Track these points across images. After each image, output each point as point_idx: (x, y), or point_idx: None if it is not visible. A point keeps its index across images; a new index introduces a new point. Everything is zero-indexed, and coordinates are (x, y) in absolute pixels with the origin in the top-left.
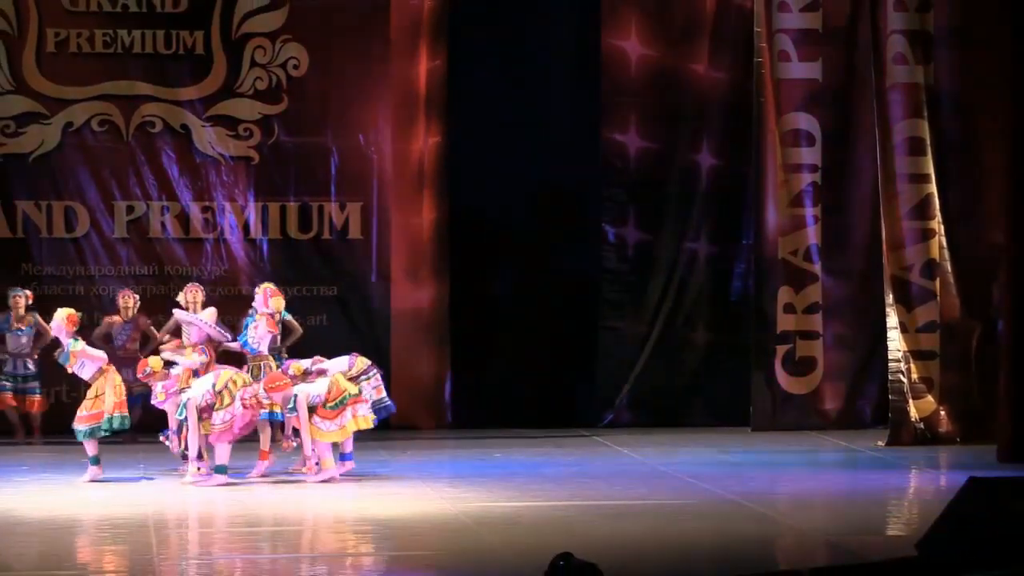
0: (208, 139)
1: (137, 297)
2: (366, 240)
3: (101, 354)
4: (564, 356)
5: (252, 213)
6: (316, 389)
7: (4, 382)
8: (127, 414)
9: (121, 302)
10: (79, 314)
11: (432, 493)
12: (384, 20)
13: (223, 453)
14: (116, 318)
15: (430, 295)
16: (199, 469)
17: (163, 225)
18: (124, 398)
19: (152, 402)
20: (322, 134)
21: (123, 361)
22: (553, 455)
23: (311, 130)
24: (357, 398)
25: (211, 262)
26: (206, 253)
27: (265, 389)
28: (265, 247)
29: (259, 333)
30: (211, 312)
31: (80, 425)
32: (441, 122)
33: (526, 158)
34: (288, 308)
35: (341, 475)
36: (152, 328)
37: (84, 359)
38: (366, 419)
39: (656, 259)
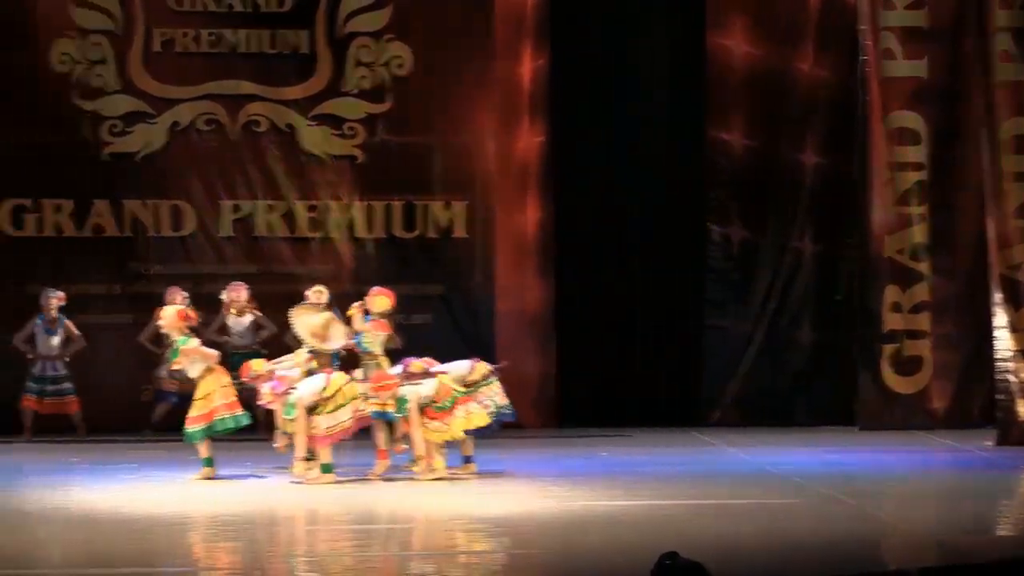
0: (313, 138)
1: (186, 295)
2: (471, 239)
3: (212, 352)
4: (669, 355)
5: (357, 212)
6: (425, 390)
7: (29, 383)
8: (239, 413)
9: (168, 298)
10: (192, 310)
11: (538, 492)
12: (488, 19)
13: (326, 454)
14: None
15: (535, 294)
16: (307, 468)
17: (269, 224)
18: (234, 399)
19: (258, 403)
20: (426, 133)
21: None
22: (658, 454)
23: (415, 129)
24: (466, 397)
25: (317, 261)
26: (311, 252)
27: (372, 387)
28: (370, 246)
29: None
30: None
31: (190, 427)
32: (545, 121)
33: (630, 156)
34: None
35: (464, 477)
36: (265, 319)
37: (194, 356)
38: (480, 416)
39: (760, 258)
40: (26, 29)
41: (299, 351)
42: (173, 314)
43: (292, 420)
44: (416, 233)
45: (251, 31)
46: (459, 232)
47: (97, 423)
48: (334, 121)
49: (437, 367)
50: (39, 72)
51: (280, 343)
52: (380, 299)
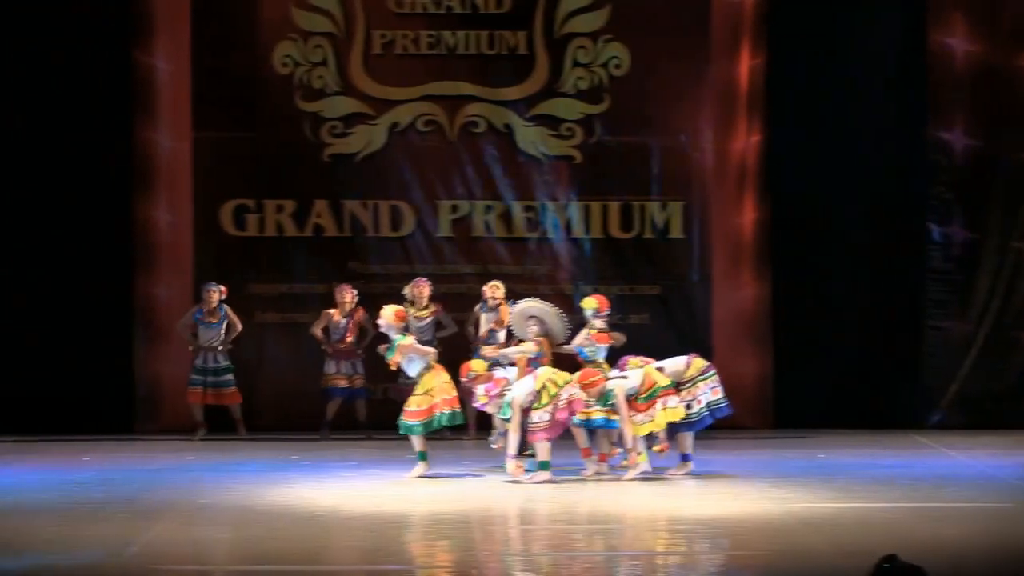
0: (531, 139)
1: (355, 292)
2: (687, 239)
3: (430, 350)
4: (888, 356)
5: (574, 212)
6: (631, 382)
7: (194, 376)
8: (458, 410)
9: (338, 297)
10: (407, 310)
11: (755, 493)
12: (705, 19)
13: (543, 451)
14: (334, 312)
15: (752, 294)
16: (521, 467)
17: (486, 224)
18: (454, 395)
19: (474, 404)
20: (643, 133)
21: (340, 354)
22: (877, 456)
23: (632, 129)
24: (668, 391)
25: (533, 261)
26: (529, 252)
27: (579, 385)
28: (587, 246)
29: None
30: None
31: (410, 420)
32: (762, 120)
33: (848, 156)
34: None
35: (682, 475)
36: (370, 323)
37: (412, 354)
38: (676, 411)
39: (982, 258)
40: (250, 32)
41: (526, 345)
42: (391, 313)
43: (507, 420)
44: (633, 233)
45: (469, 32)
46: (676, 232)
47: (319, 421)
48: (551, 121)
49: (654, 364)
50: (262, 74)
51: (456, 342)
52: (587, 300)
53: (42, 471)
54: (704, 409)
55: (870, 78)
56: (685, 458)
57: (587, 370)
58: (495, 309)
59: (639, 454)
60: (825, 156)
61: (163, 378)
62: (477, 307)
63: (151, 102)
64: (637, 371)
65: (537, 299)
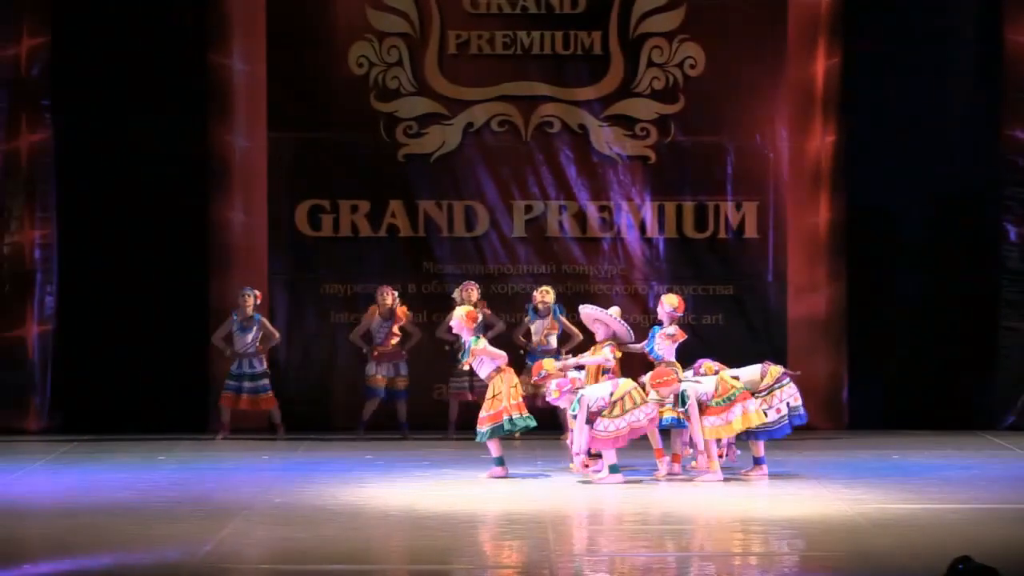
0: (605, 139)
1: (396, 293)
2: (762, 240)
3: (501, 353)
4: (963, 357)
5: (648, 212)
6: (704, 387)
7: (228, 381)
8: (527, 413)
9: (379, 298)
10: (479, 311)
11: (829, 494)
12: (781, 18)
13: (610, 456)
14: (373, 311)
15: (827, 295)
16: (587, 466)
17: (560, 224)
18: (521, 399)
19: (547, 399)
20: (718, 133)
21: (382, 356)
22: (951, 457)
23: (707, 129)
24: (746, 394)
25: (608, 261)
26: (603, 252)
27: (651, 383)
28: (661, 246)
29: (663, 342)
30: (615, 310)
31: (481, 427)
32: (838, 120)
33: (924, 156)
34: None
35: (753, 479)
36: (412, 324)
37: (483, 357)
38: (758, 414)
39: None
40: (325, 33)
41: (601, 353)
42: (463, 315)
43: (575, 416)
44: (707, 233)
45: (544, 32)
46: (750, 233)
47: (393, 421)
48: (626, 122)
49: (728, 372)
50: (337, 75)
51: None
52: (668, 297)
53: (118, 471)
54: (784, 417)
55: (945, 77)
56: (758, 462)
57: (660, 369)
58: (546, 316)
59: (712, 459)
60: (900, 156)
61: None
62: (527, 317)
63: (227, 103)
64: (711, 377)
65: (588, 303)
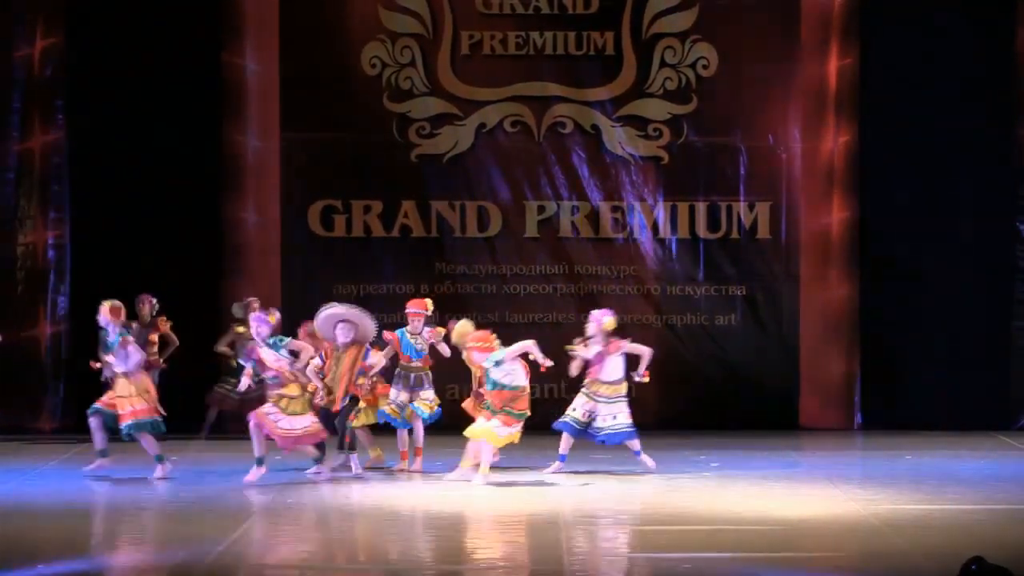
0: (618, 139)
1: (154, 301)
2: (775, 240)
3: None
4: (976, 357)
5: (661, 212)
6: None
7: (224, 385)
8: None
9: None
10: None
11: (841, 494)
12: (794, 19)
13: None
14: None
15: (839, 295)
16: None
17: (573, 225)
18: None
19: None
20: (731, 134)
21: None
22: (964, 457)
23: (720, 130)
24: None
25: (620, 261)
26: (615, 252)
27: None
28: (674, 247)
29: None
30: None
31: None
32: (851, 121)
33: (937, 156)
34: (695, 307)
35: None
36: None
37: (131, 350)
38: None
39: None
40: (338, 33)
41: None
42: (108, 308)
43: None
44: (720, 234)
45: (557, 33)
46: (763, 233)
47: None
48: (639, 122)
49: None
50: (350, 75)
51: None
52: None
53: (131, 470)
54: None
55: (958, 78)
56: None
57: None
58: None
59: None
60: (913, 156)
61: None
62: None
63: (239, 104)
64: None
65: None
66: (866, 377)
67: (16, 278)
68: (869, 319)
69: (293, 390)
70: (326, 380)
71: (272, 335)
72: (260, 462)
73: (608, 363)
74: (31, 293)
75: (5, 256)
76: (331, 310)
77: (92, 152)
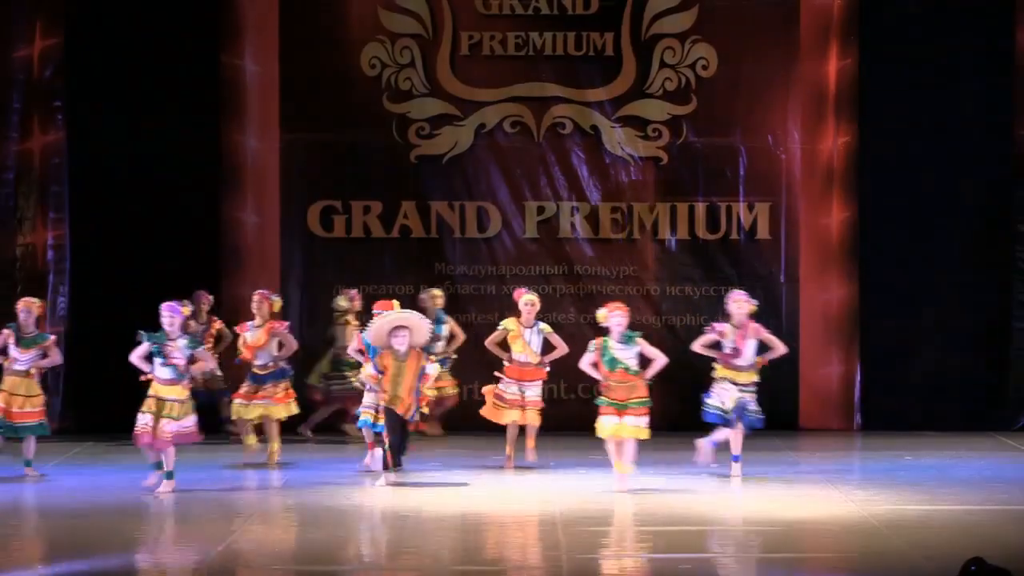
0: (618, 140)
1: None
2: (774, 240)
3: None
4: (975, 358)
5: (660, 213)
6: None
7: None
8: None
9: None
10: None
11: (840, 495)
12: (793, 20)
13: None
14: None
15: (839, 295)
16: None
17: (572, 225)
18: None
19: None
20: (731, 134)
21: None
22: (965, 458)
23: (720, 130)
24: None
25: (620, 262)
26: (615, 252)
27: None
28: (673, 247)
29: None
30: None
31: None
32: (851, 122)
33: (937, 157)
34: (695, 308)
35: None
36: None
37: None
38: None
39: None
40: (337, 34)
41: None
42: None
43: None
44: (719, 234)
45: (556, 33)
46: (763, 234)
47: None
48: (638, 123)
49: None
50: (349, 76)
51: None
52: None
53: (131, 471)
54: None
55: (957, 78)
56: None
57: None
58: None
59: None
60: (912, 157)
61: None
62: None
63: (239, 104)
64: None
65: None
66: (866, 378)
67: (16, 278)
68: (869, 320)
69: (181, 393)
70: (385, 387)
71: (185, 329)
72: (159, 467)
73: (746, 348)
74: (31, 293)
75: (5, 256)
76: (381, 320)
77: (92, 152)
